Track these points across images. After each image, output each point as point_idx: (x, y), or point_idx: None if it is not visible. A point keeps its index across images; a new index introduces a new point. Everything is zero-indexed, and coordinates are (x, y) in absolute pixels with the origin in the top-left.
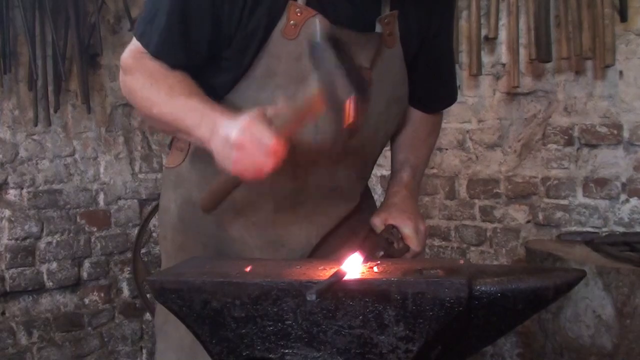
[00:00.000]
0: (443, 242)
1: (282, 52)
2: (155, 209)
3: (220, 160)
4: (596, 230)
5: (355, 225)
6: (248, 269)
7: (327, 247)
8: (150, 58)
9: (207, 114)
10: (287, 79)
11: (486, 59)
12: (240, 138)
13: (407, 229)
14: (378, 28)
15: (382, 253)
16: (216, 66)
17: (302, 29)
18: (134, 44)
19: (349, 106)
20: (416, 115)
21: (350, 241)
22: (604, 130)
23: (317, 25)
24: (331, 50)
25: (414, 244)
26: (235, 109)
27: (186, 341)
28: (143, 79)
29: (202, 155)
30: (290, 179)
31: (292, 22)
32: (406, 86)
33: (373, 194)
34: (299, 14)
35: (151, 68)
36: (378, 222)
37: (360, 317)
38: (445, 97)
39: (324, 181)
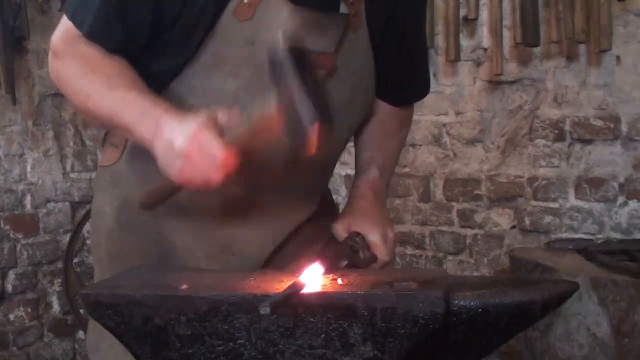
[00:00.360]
0: (417, 251)
1: (233, 35)
2: (89, 213)
3: (163, 165)
4: (590, 237)
5: (314, 232)
6: (184, 286)
7: (283, 257)
8: (84, 42)
9: (149, 111)
10: (239, 66)
11: (465, 42)
12: (187, 147)
13: (373, 237)
14: (343, 8)
15: (345, 263)
16: (159, 51)
17: (258, 9)
18: (65, 24)
19: (312, 134)
20: (384, 108)
21: (309, 250)
22: (599, 123)
23: (280, 34)
24: (293, 66)
25: (381, 253)
26: (180, 100)
27: None
28: (76, 66)
29: (141, 153)
30: (239, 179)
31: (245, 0)
32: (372, 75)
33: (337, 196)
34: None
35: (85, 53)
36: (341, 229)
37: (323, 336)
38: (417, 88)
39: (278, 181)
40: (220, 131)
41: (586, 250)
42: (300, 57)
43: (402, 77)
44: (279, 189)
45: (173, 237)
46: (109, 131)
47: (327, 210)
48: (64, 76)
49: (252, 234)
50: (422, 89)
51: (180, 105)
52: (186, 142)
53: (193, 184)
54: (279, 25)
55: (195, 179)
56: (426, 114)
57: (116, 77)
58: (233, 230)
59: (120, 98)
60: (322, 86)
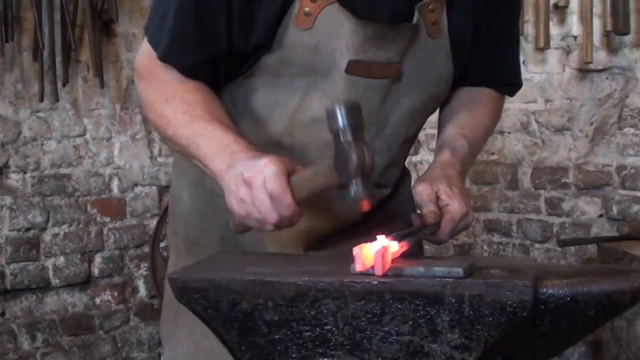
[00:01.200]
0: (504, 239)
1: (295, 43)
2: None
3: (227, 197)
4: None
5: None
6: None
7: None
8: (162, 64)
9: (229, 146)
10: (306, 69)
11: (555, 30)
12: (251, 177)
13: (455, 205)
14: (417, 17)
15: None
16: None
17: (318, 19)
18: (146, 45)
19: (360, 207)
20: (474, 94)
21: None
22: None
23: (344, 47)
24: (350, 131)
25: (448, 225)
26: (248, 93)
27: (202, 349)
28: (158, 90)
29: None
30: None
31: (305, 9)
32: (449, 82)
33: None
34: (314, 2)
35: (165, 77)
36: (421, 189)
37: (410, 323)
38: (508, 80)
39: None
40: (288, 172)
41: None
42: (353, 112)
43: (491, 69)
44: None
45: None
46: None
47: (401, 199)
48: (146, 98)
49: (328, 221)
50: (514, 80)
51: (250, 96)
52: (251, 173)
53: (249, 219)
54: (342, 37)
55: (252, 213)
56: (515, 102)
57: (198, 106)
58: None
59: (202, 130)
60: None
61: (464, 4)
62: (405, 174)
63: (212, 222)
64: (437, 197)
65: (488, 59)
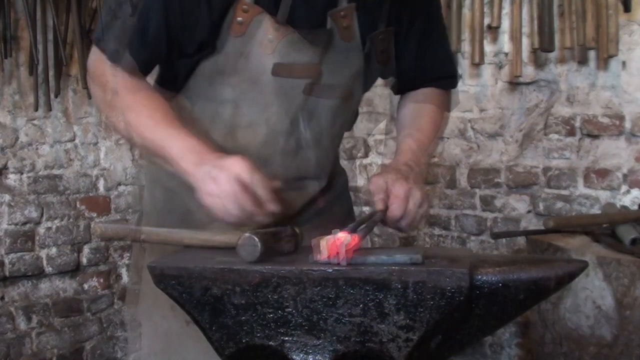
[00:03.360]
0: (443, 232)
1: (228, 49)
2: None
3: (204, 199)
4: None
5: (325, 223)
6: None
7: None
8: (112, 66)
9: (194, 147)
10: (235, 77)
11: (489, 47)
12: (232, 187)
13: (398, 189)
14: (330, 23)
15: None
16: (168, 64)
17: (249, 27)
18: (95, 51)
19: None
20: (418, 96)
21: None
22: (606, 120)
23: (269, 50)
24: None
25: (396, 208)
26: (187, 108)
27: (160, 330)
28: (122, 95)
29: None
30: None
31: (238, 19)
32: (362, 79)
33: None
34: (245, 12)
35: (118, 78)
36: (374, 183)
37: (361, 306)
38: (444, 72)
39: (278, 177)
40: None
41: (593, 232)
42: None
43: (427, 70)
44: (288, 164)
45: (199, 214)
46: None
47: (339, 204)
48: (102, 101)
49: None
50: (450, 72)
51: (188, 112)
52: (230, 183)
53: (217, 212)
54: (268, 43)
55: (240, 217)
56: (453, 111)
57: (158, 111)
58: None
59: (166, 133)
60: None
61: (374, 9)
62: (340, 174)
63: (169, 218)
64: (387, 187)
65: (420, 59)
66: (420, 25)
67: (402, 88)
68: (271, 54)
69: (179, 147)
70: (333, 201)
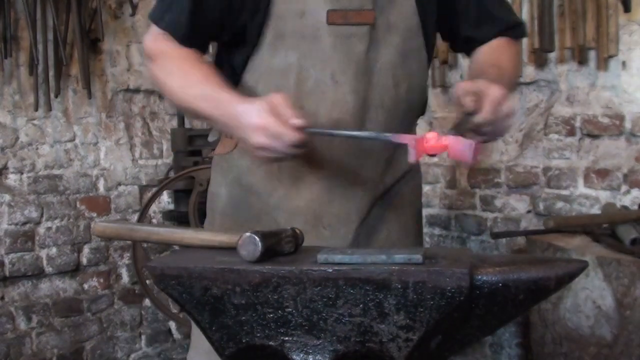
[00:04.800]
0: (443, 231)
1: (285, 11)
2: (155, 196)
3: (244, 142)
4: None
5: (399, 201)
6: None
7: (368, 229)
8: (164, 39)
9: (223, 103)
10: (296, 39)
11: None
12: (262, 120)
13: (491, 90)
14: None
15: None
16: (233, 44)
17: None
18: (150, 30)
19: None
20: (488, 47)
21: (394, 221)
22: (606, 120)
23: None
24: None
25: (488, 104)
26: (252, 88)
27: None
28: (161, 65)
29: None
30: (318, 153)
31: None
32: (420, 36)
33: None
34: None
35: (166, 50)
36: (462, 87)
37: (361, 306)
38: (510, 22)
39: (351, 149)
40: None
41: (593, 232)
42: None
43: (493, 22)
44: (357, 161)
45: (274, 213)
46: None
47: (412, 172)
48: (154, 76)
49: (338, 208)
50: (518, 28)
51: (253, 93)
52: (261, 116)
53: (273, 153)
54: None
55: (275, 147)
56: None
57: (193, 74)
58: (322, 207)
59: (199, 94)
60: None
61: None
62: (416, 170)
63: (245, 215)
64: (479, 89)
65: (484, 11)
66: None
67: (468, 45)
68: (323, 2)
69: (211, 106)
70: (406, 198)
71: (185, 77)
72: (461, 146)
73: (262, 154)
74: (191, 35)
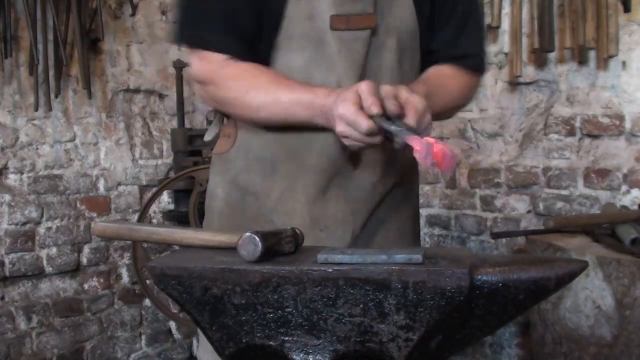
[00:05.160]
0: (443, 231)
1: (295, 13)
2: (155, 196)
3: (336, 124)
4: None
5: (398, 201)
6: None
7: (368, 232)
8: (217, 59)
9: (316, 102)
10: (303, 41)
11: (489, 48)
12: (340, 110)
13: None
14: None
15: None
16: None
17: None
18: (195, 57)
19: None
20: (441, 70)
21: (393, 222)
22: (606, 120)
23: (326, 4)
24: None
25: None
26: None
27: None
28: (232, 86)
29: (247, 141)
30: (315, 154)
31: None
32: (417, 39)
33: None
34: None
35: (229, 70)
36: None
37: (361, 306)
38: (473, 51)
39: (350, 150)
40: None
41: (593, 232)
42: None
43: (458, 46)
44: (356, 163)
45: (271, 215)
46: (223, 123)
47: (410, 173)
48: (223, 99)
49: (335, 210)
50: (477, 61)
51: None
52: (342, 106)
53: (353, 141)
54: None
55: (352, 135)
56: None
57: (272, 84)
58: (319, 209)
59: (288, 102)
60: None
61: None
62: (413, 171)
63: (242, 216)
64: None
65: (453, 32)
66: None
67: (429, 60)
68: (327, 7)
69: (305, 111)
70: (405, 195)
71: (265, 88)
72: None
73: (346, 143)
74: (239, 45)
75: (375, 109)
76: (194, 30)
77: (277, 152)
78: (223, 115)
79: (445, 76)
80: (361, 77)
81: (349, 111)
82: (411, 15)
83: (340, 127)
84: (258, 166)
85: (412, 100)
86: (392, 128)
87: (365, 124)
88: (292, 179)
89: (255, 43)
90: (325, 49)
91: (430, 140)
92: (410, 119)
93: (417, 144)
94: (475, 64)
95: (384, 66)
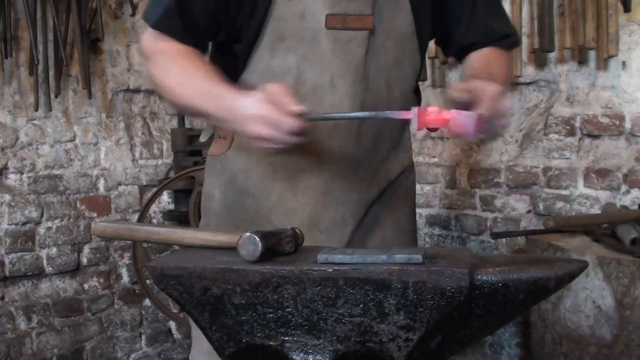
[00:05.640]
0: (444, 231)
1: (286, 13)
2: (155, 196)
3: (242, 136)
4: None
5: (393, 202)
6: None
7: (363, 231)
8: (160, 38)
9: (222, 97)
10: (295, 41)
11: None
12: (261, 109)
13: (486, 87)
14: None
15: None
16: (231, 40)
17: None
18: (146, 32)
19: None
20: (482, 54)
21: (388, 220)
22: (606, 120)
23: (321, 3)
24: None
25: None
26: (252, 86)
27: None
28: (157, 64)
29: (246, 142)
30: (314, 156)
31: None
32: (415, 41)
33: None
34: None
35: (161, 48)
36: (457, 87)
37: (361, 306)
38: (504, 32)
39: (347, 152)
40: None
41: (593, 232)
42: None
43: (490, 30)
44: (352, 164)
45: (270, 216)
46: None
47: (405, 172)
48: (151, 75)
49: (334, 211)
50: (510, 39)
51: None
52: (259, 106)
53: (274, 143)
54: None
55: (275, 136)
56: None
57: (190, 70)
58: (318, 210)
59: (197, 90)
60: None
61: None
62: (410, 171)
63: (240, 217)
64: (473, 90)
65: (482, 18)
66: None
67: (460, 52)
68: (322, 6)
69: (209, 102)
70: (400, 197)
71: (181, 74)
72: (463, 119)
73: (262, 145)
74: (183, 32)
75: (300, 107)
76: (151, 7)
77: (278, 154)
78: None
79: (490, 62)
80: (355, 78)
81: (270, 111)
82: (409, 17)
83: (258, 128)
84: (258, 167)
85: (487, 89)
86: (348, 115)
87: (292, 123)
88: (292, 180)
89: (204, 40)
90: (319, 48)
91: (431, 108)
92: (484, 108)
93: (406, 114)
94: (513, 42)
95: (380, 67)
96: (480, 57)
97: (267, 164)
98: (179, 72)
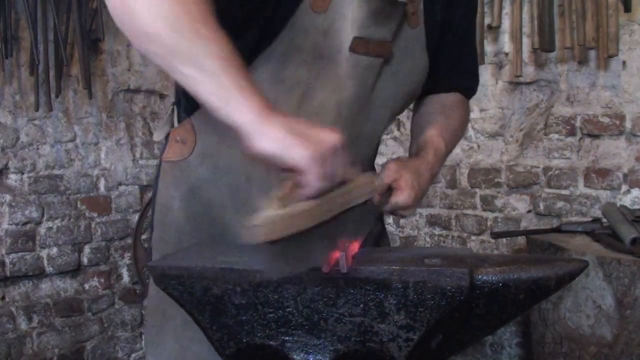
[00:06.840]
0: (444, 231)
1: (309, 26)
2: None
3: (261, 137)
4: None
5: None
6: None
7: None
8: None
9: (250, 101)
10: (313, 56)
11: (489, 47)
12: (317, 132)
13: (403, 181)
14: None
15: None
16: (241, 34)
17: (332, 2)
18: None
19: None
20: (445, 99)
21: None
22: (606, 120)
23: (349, 24)
24: None
25: (402, 196)
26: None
27: (189, 353)
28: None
29: (211, 147)
30: None
31: None
32: (423, 77)
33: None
34: None
35: None
36: (386, 170)
37: (361, 306)
38: (470, 83)
39: None
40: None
41: (593, 232)
42: None
43: (458, 77)
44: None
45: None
46: (174, 126)
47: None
48: (131, 5)
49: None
50: (472, 82)
51: None
52: (325, 144)
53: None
54: (349, 14)
55: (325, 173)
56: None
57: (208, 30)
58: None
59: (212, 66)
60: None
61: (437, 2)
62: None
63: (207, 232)
64: (397, 180)
65: (454, 63)
66: (463, 29)
67: (429, 88)
68: (350, 28)
69: (230, 97)
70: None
71: (192, 29)
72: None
73: (272, 169)
74: None
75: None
76: None
77: (252, 161)
78: (173, 113)
79: (450, 109)
80: (361, 107)
81: (330, 161)
82: (422, 47)
83: (326, 148)
84: (228, 177)
85: (399, 195)
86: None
87: (317, 185)
88: (269, 190)
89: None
90: (336, 69)
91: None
92: (384, 206)
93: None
94: (473, 92)
95: (386, 97)
96: (441, 108)
97: (238, 173)
98: (187, 25)
